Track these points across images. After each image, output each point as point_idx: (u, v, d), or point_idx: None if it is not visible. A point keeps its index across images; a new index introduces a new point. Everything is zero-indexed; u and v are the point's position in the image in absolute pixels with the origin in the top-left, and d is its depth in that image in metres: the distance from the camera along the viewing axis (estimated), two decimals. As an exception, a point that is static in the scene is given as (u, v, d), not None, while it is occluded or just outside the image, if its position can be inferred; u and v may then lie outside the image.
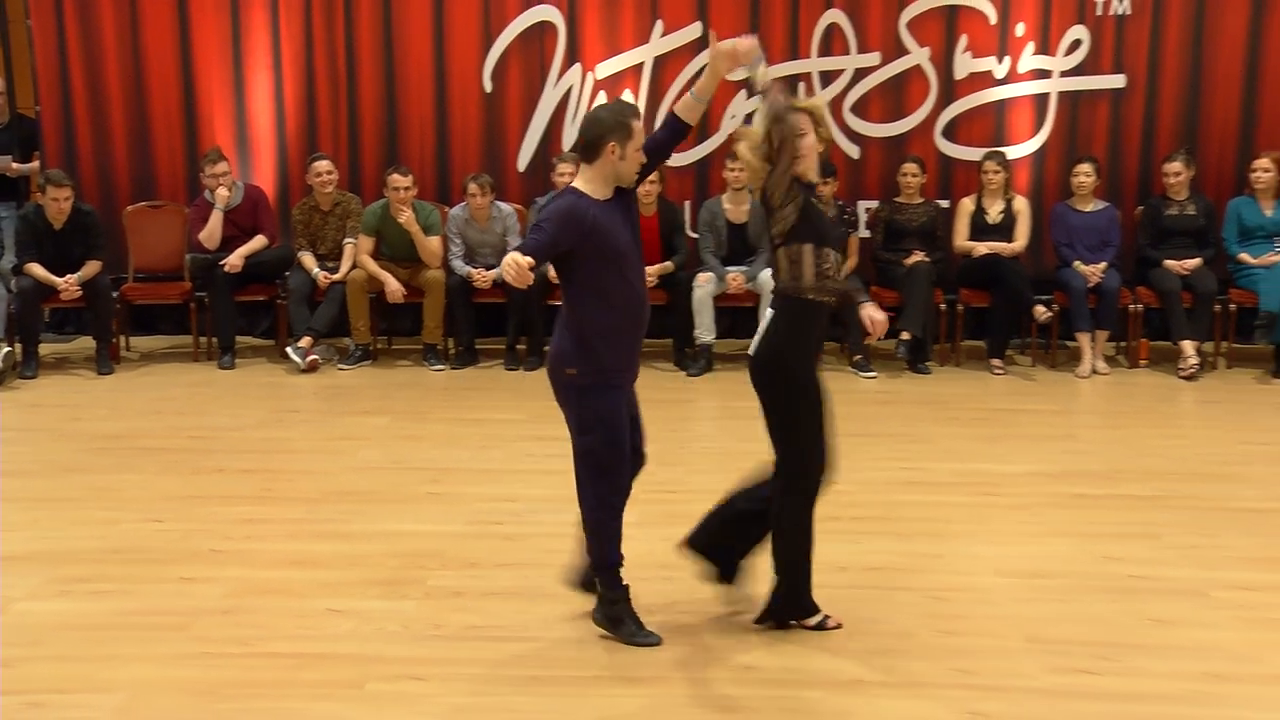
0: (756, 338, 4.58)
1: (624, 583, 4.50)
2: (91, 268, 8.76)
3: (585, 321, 4.36)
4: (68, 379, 8.65)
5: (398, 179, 8.82)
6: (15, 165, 9.69)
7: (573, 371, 4.40)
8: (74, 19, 9.56)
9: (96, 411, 7.78)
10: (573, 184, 4.44)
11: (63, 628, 4.63)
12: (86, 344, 9.14)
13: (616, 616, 4.50)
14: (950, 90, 9.38)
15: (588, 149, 4.38)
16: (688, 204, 9.41)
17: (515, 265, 3.99)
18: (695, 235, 9.12)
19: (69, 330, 9.79)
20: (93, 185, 9.68)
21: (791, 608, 4.57)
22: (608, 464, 4.40)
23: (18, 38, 9.97)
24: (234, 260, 8.91)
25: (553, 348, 4.49)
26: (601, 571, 4.49)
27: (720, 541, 4.69)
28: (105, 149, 9.76)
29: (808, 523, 4.50)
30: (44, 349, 8.92)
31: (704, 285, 8.68)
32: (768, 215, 4.42)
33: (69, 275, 8.63)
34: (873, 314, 4.56)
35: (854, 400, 8.01)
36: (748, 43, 4.41)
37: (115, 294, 9.06)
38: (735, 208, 8.89)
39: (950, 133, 9.39)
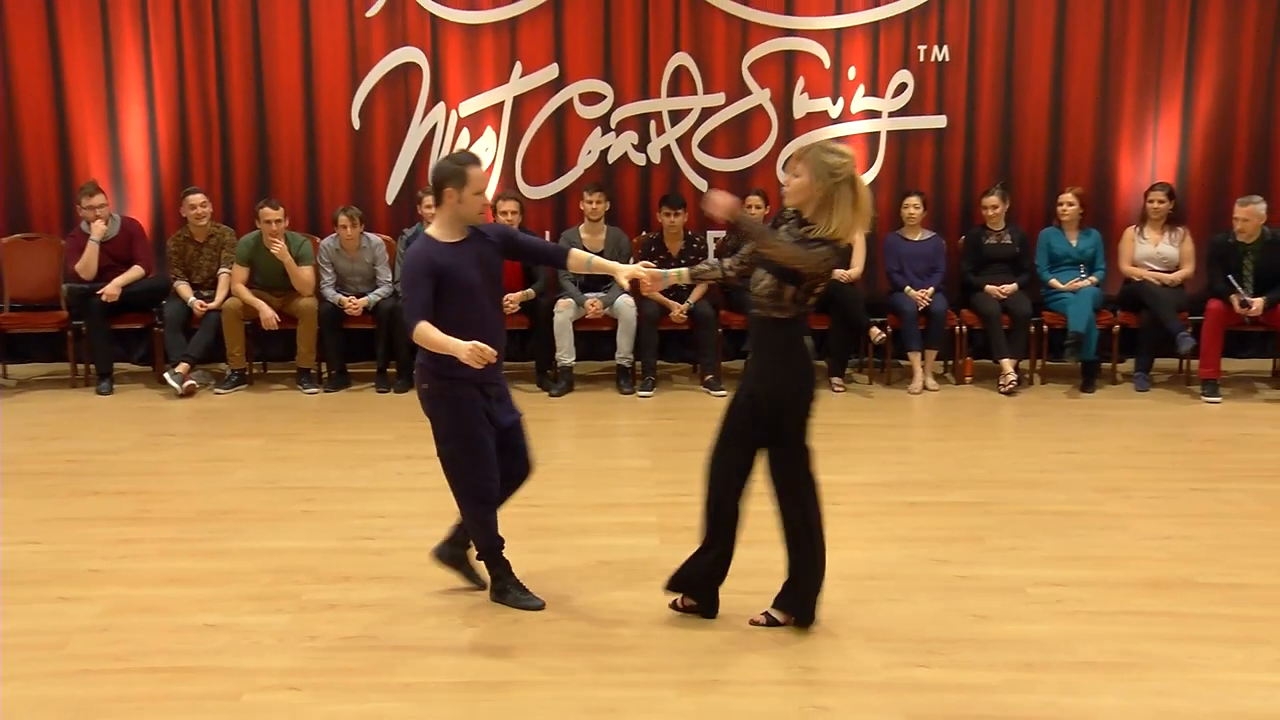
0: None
1: (504, 560, 4.86)
2: (-33, 298, 8.48)
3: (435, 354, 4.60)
4: (-56, 406, 8.36)
5: (268, 212, 8.71)
6: (-111, 198, 9.34)
7: (426, 386, 4.68)
8: (-52, 56, 9.29)
9: (-27, 438, 7.53)
10: (427, 230, 4.71)
11: (-61, 650, 4.47)
12: (-38, 372, 8.85)
13: (503, 589, 4.86)
14: (790, 128, 9.55)
15: (435, 195, 4.67)
16: (547, 233, 9.43)
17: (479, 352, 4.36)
18: (555, 264, 9.13)
19: (-55, 359, 9.46)
20: (-32, 217, 9.39)
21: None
22: (467, 465, 4.68)
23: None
24: (111, 290, 8.69)
25: (416, 366, 4.72)
26: (485, 555, 4.85)
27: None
28: (-20, 182, 9.47)
29: None
30: (-81, 377, 8.62)
31: (564, 310, 8.70)
32: None
33: (-56, 305, 8.36)
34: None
35: (705, 418, 8.01)
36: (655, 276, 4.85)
37: (-9, 323, 8.80)
38: (592, 237, 8.93)
39: (790, 168, 9.55)
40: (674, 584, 4.78)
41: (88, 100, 9.39)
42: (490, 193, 9.38)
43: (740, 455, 4.61)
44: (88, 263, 8.81)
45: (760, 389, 4.53)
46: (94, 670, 4.30)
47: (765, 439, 4.58)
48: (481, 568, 4.96)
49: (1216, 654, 4.44)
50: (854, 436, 7.62)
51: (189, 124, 9.46)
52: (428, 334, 4.46)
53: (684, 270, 4.96)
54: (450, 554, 5.03)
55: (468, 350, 4.35)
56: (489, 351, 4.36)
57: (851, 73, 9.49)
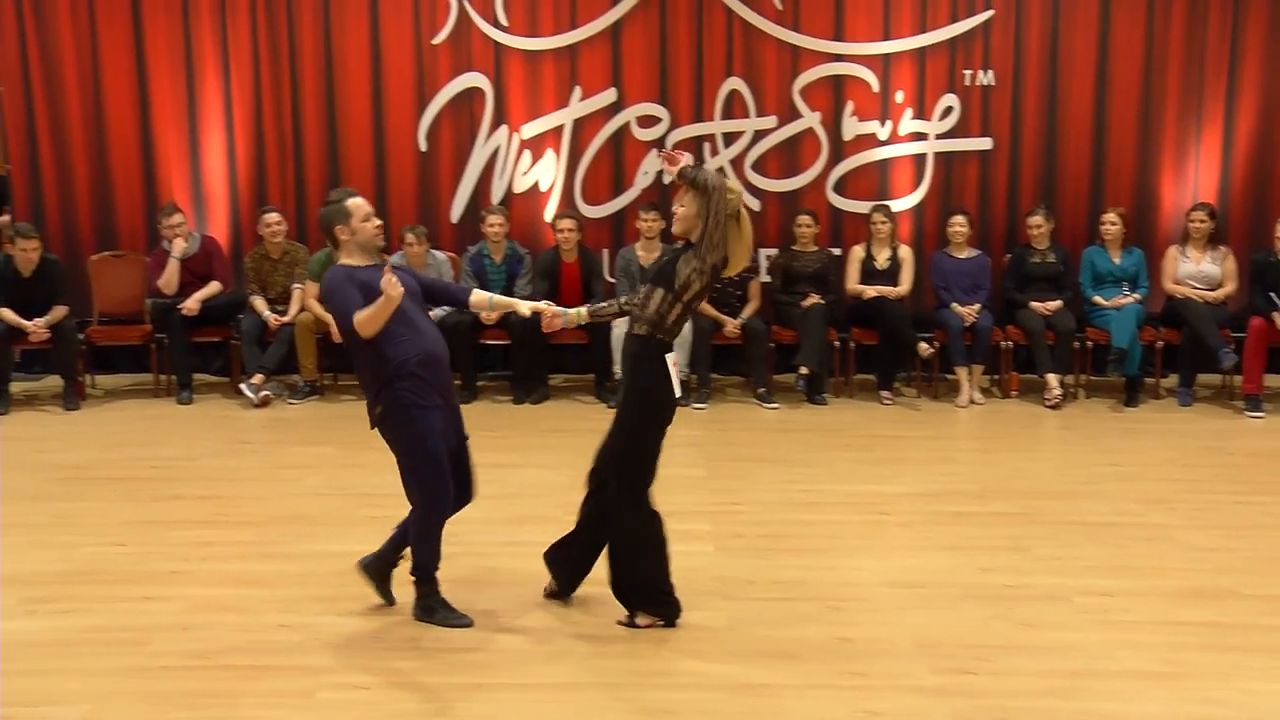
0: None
1: (435, 578, 4.72)
2: (58, 312, 8.61)
3: (380, 365, 4.56)
4: (37, 414, 8.48)
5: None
6: (-14, 219, 9.53)
7: (380, 409, 4.61)
8: (40, 85, 9.42)
9: (62, 444, 7.63)
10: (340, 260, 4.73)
11: (30, 644, 4.53)
12: (55, 382, 8.98)
13: (430, 607, 4.72)
14: (839, 150, 9.51)
15: (330, 241, 4.71)
16: (605, 251, 9.44)
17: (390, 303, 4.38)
18: (612, 280, 9.15)
19: (38, 370, 9.59)
20: (58, 237, 9.53)
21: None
22: (429, 476, 4.57)
23: (-12, 102, 9.82)
24: (191, 304, 8.80)
25: (368, 393, 4.67)
26: (420, 570, 4.70)
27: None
28: (70, 204, 9.61)
29: None
30: (15, 387, 8.77)
31: (621, 325, 8.68)
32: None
33: (37, 319, 8.49)
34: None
35: (757, 429, 8.07)
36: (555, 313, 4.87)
37: (81, 336, 8.93)
38: (647, 254, 8.93)
39: (840, 188, 9.52)
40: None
41: (171, 126, 9.52)
42: (550, 212, 9.42)
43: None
44: (169, 279, 8.93)
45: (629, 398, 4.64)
46: (175, 666, 4.35)
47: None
48: (400, 586, 4.86)
49: (1259, 664, 4.36)
50: (901, 448, 7.56)
51: (265, 147, 9.58)
52: (364, 315, 4.43)
53: (583, 310, 4.96)
54: (377, 567, 4.90)
55: (387, 294, 4.33)
56: (391, 281, 4.33)
57: (899, 97, 9.44)
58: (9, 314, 8.47)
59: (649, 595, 4.67)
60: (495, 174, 9.56)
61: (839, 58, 9.42)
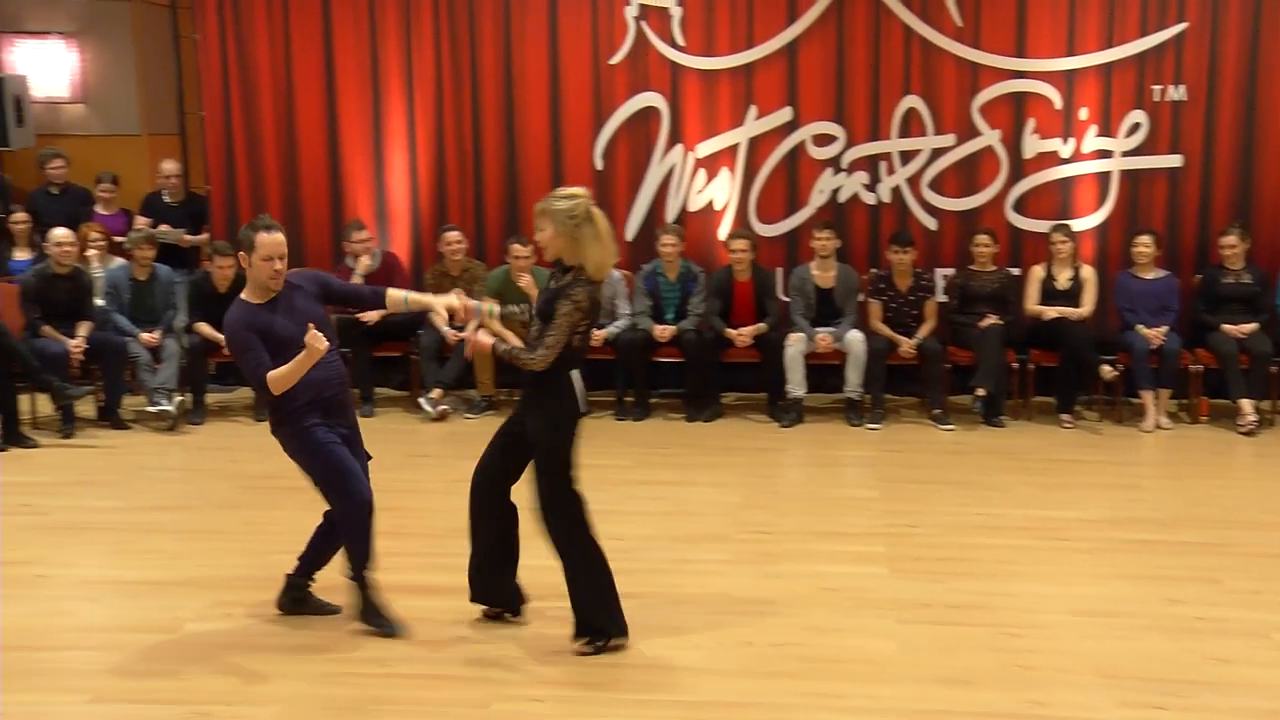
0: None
1: (372, 580, 4.84)
2: (250, 326, 8.97)
3: (277, 399, 4.67)
4: (229, 425, 8.83)
5: (518, 248, 8.92)
6: (187, 237, 9.96)
7: (281, 438, 4.83)
8: (239, 111, 9.83)
9: (252, 454, 7.91)
10: (242, 295, 4.81)
11: (224, 646, 4.73)
12: (246, 394, 9.32)
13: (371, 610, 4.82)
14: (1019, 168, 9.28)
15: (236, 260, 4.77)
16: (779, 270, 9.40)
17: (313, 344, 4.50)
18: (786, 299, 9.10)
19: (231, 382, 9.96)
20: (252, 253, 9.92)
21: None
22: (339, 479, 4.74)
23: (193, 129, 10.27)
24: (371, 315, 9.05)
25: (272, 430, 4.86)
26: (358, 574, 4.80)
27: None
28: (263, 222, 10.00)
29: None
30: (210, 398, 9.12)
31: (795, 344, 8.65)
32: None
33: (231, 333, 8.87)
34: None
35: (932, 451, 7.92)
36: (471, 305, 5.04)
37: (270, 349, 9.26)
38: (823, 274, 8.87)
39: (1020, 207, 9.30)
40: (475, 598, 4.93)
41: (358, 147, 9.82)
42: (724, 231, 9.42)
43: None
44: (353, 295, 9.21)
45: (526, 423, 4.76)
46: (359, 673, 4.48)
47: (521, 468, 4.83)
48: (343, 592, 4.93)
49: None
50: (1083, 472, 7.33)
51: (446, 165, 9.80)
52: (279, 375, 4.56)
53: (495, 307, 5.19)
54: (293, 600, 5.02)
55: (306, 355, 4.47)
56: (317, 336, 4.45)
57: (1083, 113, 9.16)
58: (206, 328, 8.84)
59: (609, 612, 4.65)
60: (670, 192, 9.60)
61: (1020, 74, 9.20)
